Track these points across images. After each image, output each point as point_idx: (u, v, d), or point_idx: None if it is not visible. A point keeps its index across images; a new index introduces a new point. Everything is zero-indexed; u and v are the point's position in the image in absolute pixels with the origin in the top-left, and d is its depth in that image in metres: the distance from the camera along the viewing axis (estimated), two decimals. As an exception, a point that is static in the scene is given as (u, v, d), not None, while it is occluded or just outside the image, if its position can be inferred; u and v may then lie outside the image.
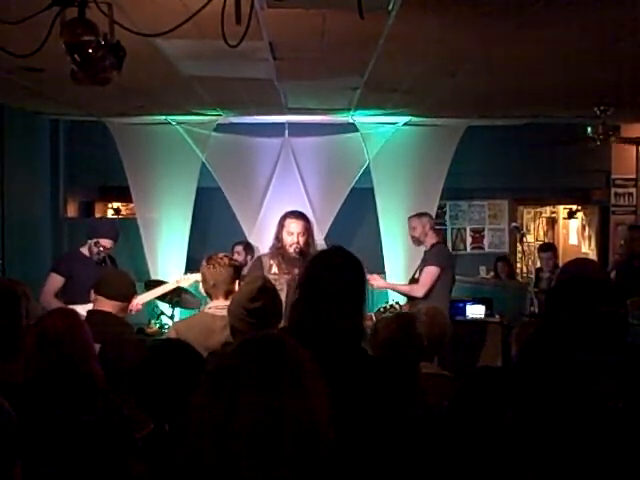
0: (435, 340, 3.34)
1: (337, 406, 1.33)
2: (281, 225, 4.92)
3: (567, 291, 2.35)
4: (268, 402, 1.23)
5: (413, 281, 6.06)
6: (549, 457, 1.22)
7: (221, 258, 3.80)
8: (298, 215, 4.99)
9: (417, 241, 6.10)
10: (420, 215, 6.18)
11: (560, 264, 6.66)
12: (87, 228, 5.59)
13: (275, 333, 1.49)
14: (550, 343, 1.28)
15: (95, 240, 5.30)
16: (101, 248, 5.30)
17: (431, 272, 5.76)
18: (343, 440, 1.38)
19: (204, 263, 3.82)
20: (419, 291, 5.74)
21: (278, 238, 4.91)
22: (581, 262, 3.64)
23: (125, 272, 4.44)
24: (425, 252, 6.08)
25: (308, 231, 4.90)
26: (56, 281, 5.30)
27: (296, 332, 2.18)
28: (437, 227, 7.99)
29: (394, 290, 6.12)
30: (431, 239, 6.01)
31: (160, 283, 6.19)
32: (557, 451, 1.22)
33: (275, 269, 4.81)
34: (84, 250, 5.38)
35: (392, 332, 2.96)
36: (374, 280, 5.94)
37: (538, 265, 7.89)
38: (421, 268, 5.93)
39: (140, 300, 5.24)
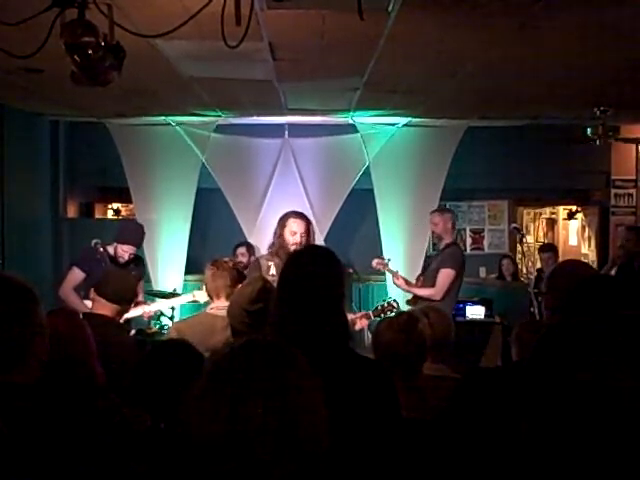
0: (439, 340, 3.33)
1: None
2: (283, 225, 4.93)
3: (591, 290, 2.32)
4: (270, 404, 1.23)
5: (420, 279, 6.05)
6: (561, 463, 1.21)
7: (225, 261, 3.90)
8: (300, 215, 5.02)
9: (439, 238, 6.06)
10: (442, 211, 6.16)
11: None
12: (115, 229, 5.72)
13: (273, 337, 1.50)
14: (568, 345, 1.25)
15: (114, 244, 5.41)
16: (110, 253, 5.40)
17: (449, 275, 5.75)
18: (335, 442, 1.38)
19: (208, 265, 3.92)
20: (437, 295, 5.74)
21: (279, 238, 4.92)
22: (576, 263, 3.64)
23: (128, 274, 4.46)
24: (439, 251, 6.06)
25: (309, 231, 4.94)
26: (76, 275, 5.38)
27: (278, 336, 2.14)
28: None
29: (412, 292, 6.08)
30: (448, 238, 5.97)
31: (160, 293, 6.27)
32: (570, 457, 1.21)
33: (274, 270, 4.81)
34: (110, 249, 5.45)
35: (394, 333, 2.95)
36: (396, 279, 6.01)
37: (538, 266, 7.88)
38: (435, 269, 5.89)
39: (153, 308, 5.37)
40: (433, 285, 5.83)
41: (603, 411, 1.20)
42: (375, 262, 6.07)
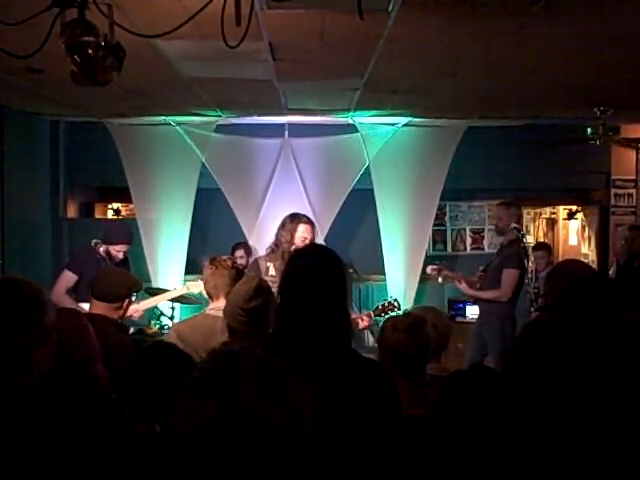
0: (441, 340, 3.33)
1: (323, 408, 1.33)
2: (294, 229, 4.90)
3: (583, 290, 2.32)
4: (248, 411, 1.24)
5: (479, 277, 5.98)
6: (547, 463, 1.21)
7: (224, 260, 3.83)
8: (308, 220, 5.04)
9: (500, 231, 5.94)
10: (509, 205, 6.03)
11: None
12: (101, 231, 5.67)
13: (252, 345, 1.50)
14: (553, 343, 1.26)
15: (105, 246, 5.39)
16: (103, 254, 5.38)
17: (514, 275, 5.73)
18: (332, 442, 1.38)
19: (206, 264, 3.85)
20: (504, 296, 5.71)
21: (287, 242, 4.87)
22: (574, 264, 3.64)
23: (120, 271, 4.33)
24: (502, 247, 5.98)
25: (314, 235, 5.01)
26: (68, 279, 5.38)
27: (282, 338, 2.14)
28: (437, 228, 8.04)
29: (477, 297, 6.04)
30: (511, 235, 5.85)
31: (161, 290, 6.23)
32: (556, 456, 1.21)
33: (273, 271, 4.81)
34: (101, 250, 5.44)
35: (399, 333, 2.94)
36: (459, 283, 5.96)
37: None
38: (497, 266, 5.82)
39: (142, 306, 5.28)
40: (497, 284, 5.77)
41: (584, 406, 1.20)
42: (430, 269, 6.04)
